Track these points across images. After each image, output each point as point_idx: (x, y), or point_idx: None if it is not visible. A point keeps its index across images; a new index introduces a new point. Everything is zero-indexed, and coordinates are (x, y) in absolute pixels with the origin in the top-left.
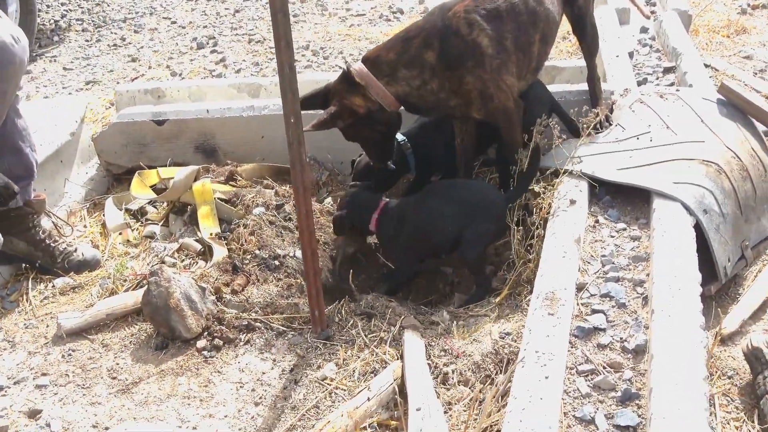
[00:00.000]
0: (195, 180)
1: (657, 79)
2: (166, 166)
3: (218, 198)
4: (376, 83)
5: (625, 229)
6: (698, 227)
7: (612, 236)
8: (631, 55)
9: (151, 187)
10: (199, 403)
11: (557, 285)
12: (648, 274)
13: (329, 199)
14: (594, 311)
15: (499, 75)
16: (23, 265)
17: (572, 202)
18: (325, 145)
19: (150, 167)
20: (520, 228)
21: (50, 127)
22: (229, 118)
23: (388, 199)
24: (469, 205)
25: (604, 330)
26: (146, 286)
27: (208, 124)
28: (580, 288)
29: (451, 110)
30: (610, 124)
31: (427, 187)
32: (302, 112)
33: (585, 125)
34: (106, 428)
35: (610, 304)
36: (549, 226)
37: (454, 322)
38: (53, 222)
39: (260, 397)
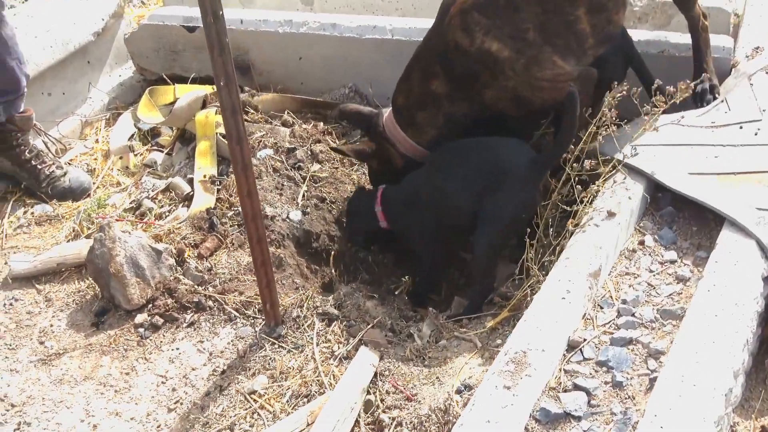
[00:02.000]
0: (203, 107)
1: None
2: (198, 77)
3: (220, 133)
4: (404, 139)
5: (673, 262)
6: None
7: (651, 270)
8: None
9: (167, 104)
10: (113, 394)
11: (535, 341)
12: (672, 342)
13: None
14: (576, 387)
15: (531, 73)
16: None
17: (610, 214)
18: (367, 75)
19: (181, 79)
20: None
21: (68, 25)
22: (263, 33)
23: (384, 186)
24: (483, 173)
25: (578, 420)
26: (92, 243)
27: (242, 37)
28: (573, 346)
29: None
30: (715, 98)
31: (433, 155)
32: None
33: (665, 98)
34: (12, 404)
35: (603, 379)
36: (566, 248)
37: (433, 340)
38: (43, 141)
39: (177, 402)
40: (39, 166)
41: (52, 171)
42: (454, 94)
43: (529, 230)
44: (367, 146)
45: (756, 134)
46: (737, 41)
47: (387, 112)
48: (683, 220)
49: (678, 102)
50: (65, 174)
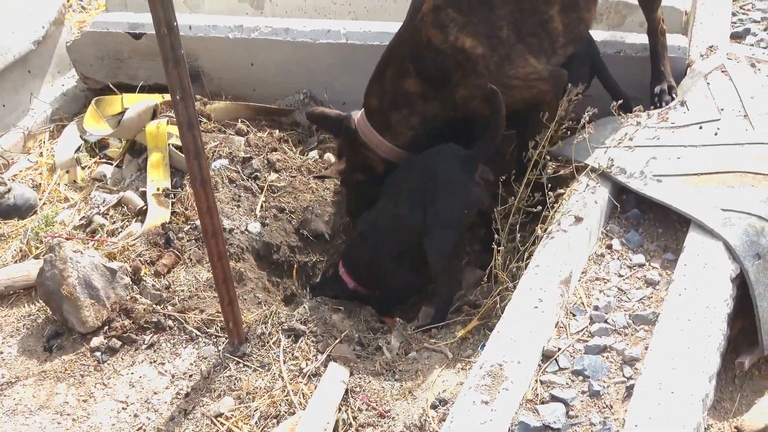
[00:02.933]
0: (153, 117)
1: (766, 30)
2: (147, 85)
3: (173, 144)
4: (381, 142)
5: (642, 266)
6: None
7: (621, 275)
8: None
9: (115, 115)
10: (71, 423)
11: (510, 353)
12: (647, 348)
13: (314, 153)
14: (553, 398)
15: (504, 71)
16: None
17: (578, 219)
18: (322, 80)
19: (128, 88)
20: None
21: (7, 33)
22: (213, 39)
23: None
24: (425, 186)
25: None
26: (41, 264)
27: (191, 43)
28: (548, 356)
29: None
30: (672, 98)
31: (386, 184)
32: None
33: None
34: None
35: (580, 389)
36: (535, 255)
37: (403, 353)
38: None
39: (140, 429)
40: None
41: None
42: (427, 93)
43: (496, 236)
44: (344, 163)
45: (716, 134)
46: (691, 40)
47: (357, 115)
48: (649, 222)
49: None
50: (9, 191)
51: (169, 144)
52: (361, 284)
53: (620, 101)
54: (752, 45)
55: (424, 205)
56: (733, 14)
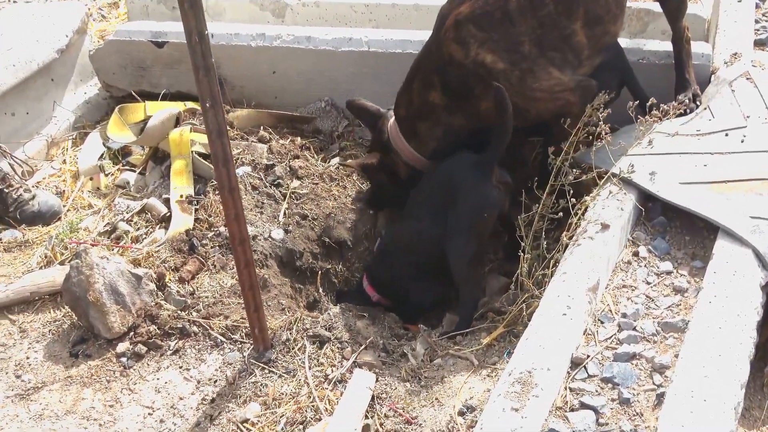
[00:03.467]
0: (176, 125)
1: None
2: (169, 93)
3: (196, 152)
4: (408, 149)
5: (669, 273)
6: None
7: (648, 282)
8: None
9: (138, 123)
10: (97, 428)
11: (540, 360)
12: (676, 356)
13: (336, 160)
14: (583, 405)
15: (527, 84)
16: None
17: (604, 226)
18: (343, 88)
19: (150, 96)
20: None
21: (31, 43)
22: (235, 47)
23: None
24: (443, 197)
25: None
26: (68, 270)
27: (213, 51)
28: (577, 363)
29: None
30: (697, 105)
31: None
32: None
33: (660, 113)
34: None
35: (610, 396)
36: (562, 262)
37: (428, 359)
38: (9, 163)
39: None
40: (6, 190)
41: (20, 194)
42: (451, 106)
43: (522, 243)
44: (374, 159)
45: (742, 141)
46: (714, 48)
47: (391, 119)
48: (675, 230)
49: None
50: (34, 197)
51: (192, 151)
52: (385, 297)
53: (636, 102)
54: None
55: (444, 215)
56: (756, 21)
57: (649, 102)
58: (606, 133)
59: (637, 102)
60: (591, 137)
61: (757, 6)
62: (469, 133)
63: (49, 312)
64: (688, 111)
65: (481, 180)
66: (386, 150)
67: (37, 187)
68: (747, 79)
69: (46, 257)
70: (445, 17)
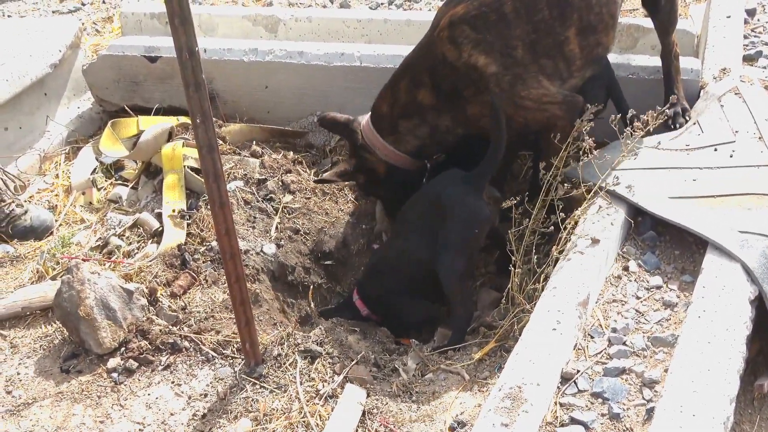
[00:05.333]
0: (168, 140)
1: None
2: (162, 108)
3: (188, 166)
4: (383, 145)
5: (659, 288)
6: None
7: (638, 296)
8: (751, 13)
9: (131, 137)
10: None
11: (529, 375)
12: (666, 370)
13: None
14: (573, 420)
15: (516, 91)
16: None
17: (594, 241)
18: (336, 103)
19: (143, 110)
20: (525, 262)
21: (24, 57)
22: (228, 62)
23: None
24: (432, 215)
25: None
26: (59, 285)
27: (206, 66)
28: (567, 378)
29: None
30: (686, 120)
31: (394, 224)
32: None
33: (641, 124)
34: None
35: (600, 411)
36: (552, 277)
37: (419, 374)
38: (2, 178)
39: None
40: None
41: (12, 209)
42: (439, 107)
43: (513, 258)
44: (347, 165)
45: (731, 156)
46: (703, 63)
47: (364, 119)
48: (665, 244)
49: (652, 129)
50: (26, 212)
51: (184, 166)
52: (374, 313)
53: (619, 115)
54: (765, 67)
55: (434, 233)
56: (745, 37)
57: (629, 114)
58: (592, 147)
59: (620, 115)
60: (580, 152)
61: (746, 22)
62: (454, 138)
63: (41, 327)
64: (671, 123)
65: (472, 195)
66: (362, 151)
67: (29, 201)
68: (736, 94)
69: (37, 272)
70: (440, 18)
